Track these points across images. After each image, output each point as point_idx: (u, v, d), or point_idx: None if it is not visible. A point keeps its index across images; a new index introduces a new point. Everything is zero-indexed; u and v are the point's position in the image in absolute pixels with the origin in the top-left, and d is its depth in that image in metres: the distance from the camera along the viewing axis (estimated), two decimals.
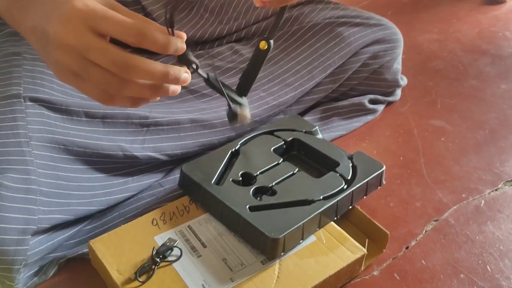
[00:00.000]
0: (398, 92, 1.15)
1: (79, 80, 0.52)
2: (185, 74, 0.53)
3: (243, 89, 0.69)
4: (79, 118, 0.75)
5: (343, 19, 1.01)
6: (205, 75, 0.64)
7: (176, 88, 0.55)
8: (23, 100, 0.71)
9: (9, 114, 0.69)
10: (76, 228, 0.74)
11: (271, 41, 0.61)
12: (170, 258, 0.67)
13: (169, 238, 0.70)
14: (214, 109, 0.89)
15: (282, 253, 0.69)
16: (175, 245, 0.69)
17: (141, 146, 0.80)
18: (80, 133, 0.74)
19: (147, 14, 0.94)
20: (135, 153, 0.79)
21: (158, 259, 0.66)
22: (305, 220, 0.70)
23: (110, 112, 0.78)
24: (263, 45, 0.63)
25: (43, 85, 0.74)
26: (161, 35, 0.50)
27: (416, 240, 0.81)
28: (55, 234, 0.70)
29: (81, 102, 0.77)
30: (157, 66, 0.51)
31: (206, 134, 0.87)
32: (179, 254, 0.68)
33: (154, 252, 0.67)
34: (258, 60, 0.66)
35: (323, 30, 0.99)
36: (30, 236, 0.65)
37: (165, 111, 0.84)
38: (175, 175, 0.85)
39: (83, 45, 0.48)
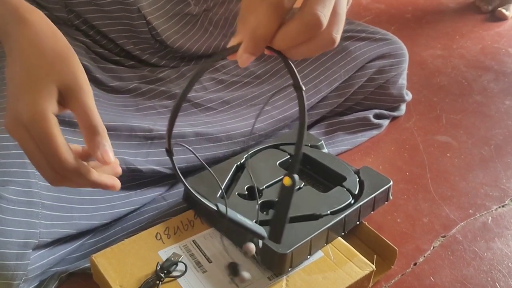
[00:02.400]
0: (403, 107, 1.15)
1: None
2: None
3: (276, 235, 0.58)
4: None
5: (348, 34, 1.01)
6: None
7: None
8: None
9: None
10: (78, 242, 0.72)
11: (296, 176, 0.54)
12: (174, 274, 0.66)
13: (173, 253, 0.68)
14: (219, 122, 0.88)
15: (289, 269, 0.68)
16: (180, 260, 0.67)
17: (144, 159, 0.79)
18: (82, 145, 0.73)
19: (152, 29, 0.93)
20: (139, 166, 0.77)
21: (162, 275, 0.65)
22: (312, 235, 0.69)
23: (113, 124, 0.77)
24: (287, 181, 0.54)
25: None
26: (90, 177, 0.51)
27: (424, 256, 0.80)
28: (57, 248, 0.69)
29: None
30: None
31: (211, 147, 0.86)
32: (184, 269, 0.66)
33: (158, 267, 0.65)
34: (285, 199, 0.56)
35: None
36: (31, 250, 0.63)
37: None
38: (179, 189, 0.84)
39: (23, 147, 0.49)
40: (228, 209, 0.57)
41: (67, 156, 0.48)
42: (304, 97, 0.44)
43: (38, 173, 0.63)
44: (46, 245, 0.67)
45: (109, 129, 0.75)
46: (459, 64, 1.40)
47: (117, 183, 0.54)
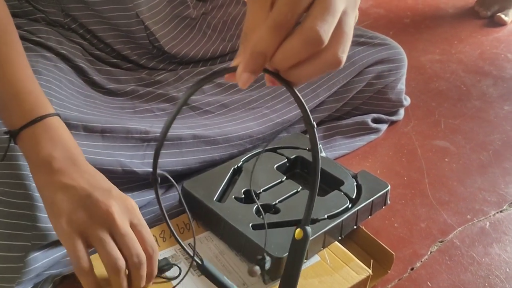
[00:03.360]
0: (402, 111, 1.15)
1: None
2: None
3: None
4: (77, 132, 0.74)
5: None
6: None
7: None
8: None
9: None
10: None
11: (308, 229, 0.50)
12: (168, 274, 0.65)
13: (173, 255, 0.68)
14: (217, 125, 0.88)
15: None
16: (176, 263, 0.67)
17: (141, 162, 0.78)
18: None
19: (150, 35, 0.93)
20: (135, 169, 0.77)
21: None
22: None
23: (109, 126, 0.77)
24: (299, 234, 0.51)
25: None
26: None
27: (421, 261, 0.80)
28: (51, 251, 0.68)
29: (79, 116, 0.76)
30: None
31: (208, 150, 0.85)
32: (178, 273, 0.66)
33: None
34: (297, 253, 0.52)
35: None
36: (25, 254, 0.63)
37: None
38: (175, 192, 0.83)
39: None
40: (208, 263, 0.61)
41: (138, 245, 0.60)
42: (316, 134, 0.42)
43: (30, 175, 0.64)
44: (40, 248, 0.66)
45: (105, 131, 0.75)
46: (458, 69, 1.41)
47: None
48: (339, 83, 1.00)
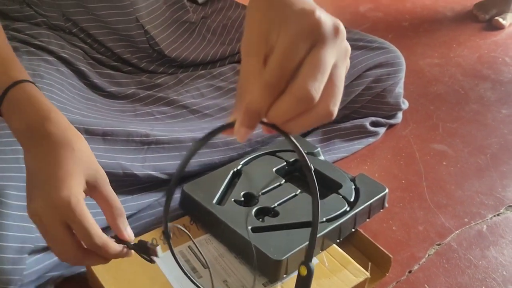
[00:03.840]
0: (400, 115, 1.16)
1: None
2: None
3: None
4: None
5: None
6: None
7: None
8: None
9: (7, 129, 0.68)
10: None
11: (312, 265, 0.50)
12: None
13: (153, 239, 0.69)
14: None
15: (284, 276, 0.68)
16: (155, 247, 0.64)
17: (141, 165, 0.79)
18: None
19: (150, 39, 0.94)
20: (135, 172, 0.78)
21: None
22: (307, 242, 0.69)
23: (110, 129, 0.78)
24: (303, 271, 0.52)
25: None
26: (112, 251, 0.56)
27: (419, 264, 0.80)
28: (53, 253, 0.69)
29: (81, 119, 0.77)
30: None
31: (207, 153, 0.86)
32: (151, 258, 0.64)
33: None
34: None
35: None
36: (27, 255, 0.64)
37: (167, 130, 0.84)
38: (175, 195, 0.83)
39: (50, 231, 0.54)
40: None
41: (99, 233, 0.54)
42: (314, 179, 0.43)
43: None
44: (42, 250, 0.67)
45: (106, 134, 0.76)
46: (456, 72, 1.41)
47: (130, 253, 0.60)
48: None
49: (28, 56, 0.79)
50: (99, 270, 0.67)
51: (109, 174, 0.74)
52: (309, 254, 0.50)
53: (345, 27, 1.08)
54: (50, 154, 0.55)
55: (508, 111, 1.24)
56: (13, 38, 0.82)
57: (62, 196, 0.52)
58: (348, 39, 1.05)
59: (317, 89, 0.39)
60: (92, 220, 0.54)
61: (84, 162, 0.56)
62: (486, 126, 1.18)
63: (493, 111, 1.24)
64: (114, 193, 0.58)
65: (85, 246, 0.55)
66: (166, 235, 0.52)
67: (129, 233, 0.58)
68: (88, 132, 0.75)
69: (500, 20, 1.68)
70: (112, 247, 0.56)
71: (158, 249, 0.58)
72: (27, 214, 0.63)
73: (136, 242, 0.59)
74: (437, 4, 1.89)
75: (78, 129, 0.73)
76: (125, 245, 0.58)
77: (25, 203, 0.63)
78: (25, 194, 0.63)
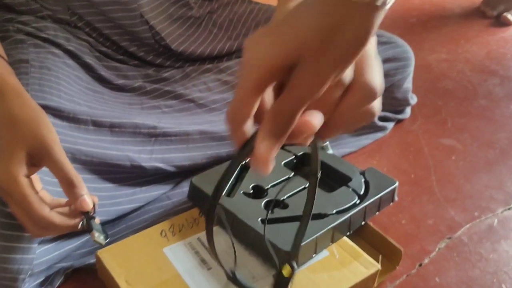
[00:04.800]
0: (408, 110, 1.15)
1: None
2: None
3: None
4: (86, 127, 0.75)
5: None
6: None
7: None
8: None
9: None
10: (84, 239, 0.73)
11: (295, 265, 0.51)
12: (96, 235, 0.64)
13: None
14: (223, 121, 0.88)
15: None
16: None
17: (149, 157, 0.79)
18: (87, 142, 0.74)
19: (156, 34, 0.94)
20: (143, 164, 0.78)
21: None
22: (318, 234, 0.69)
23: (117, 121, 0.78)
24: (287, 272, 0.52)
25: (51, 92, 0.74)
26: (58, 223, 0.60)
27: (429, 257, 0.80)
28: (62, 244, 0.69)
29: (88, 110, 0.77)
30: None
31: (214, 146, 0.86)
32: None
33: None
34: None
35: None
36: (36, 245, 0.64)
37: (174, 122, 0.84)
38: (183, 188, 0.84)
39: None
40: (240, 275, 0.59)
41: (41, 211, 0.57)
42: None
43: (43, 169, 0.64)
44: (51, 240, 0.68)
45: (113, 125, 0.76)
46: (464, 68, 1.42)
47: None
48: None
49: (35, 49, 0.80)
50: (108, 261, 0.67)
51: (116, 165, 0.75)
52: (294, 252, 0.49)
53: None
54: None
55: None
56: (19, 30, 0.83)
57: (1, 178, 0.56)
58: None
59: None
60: (34, 199, 0.56)
61: (25, 137, 0.57)
62: (495, 121, 1.18)
63: (502, 106, 1.24)
64: (66, 163, 0.59)
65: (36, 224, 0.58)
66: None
67: (81, 203, 0.60)
68: (96, 124, 0.76)
69: (508, 16, 1.69)
70: (57, 221, 0.59)
71: (96, 234, 0.62)
72: None
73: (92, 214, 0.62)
74: (444, 1, 1.90)
75: (86, 120, 0.74)
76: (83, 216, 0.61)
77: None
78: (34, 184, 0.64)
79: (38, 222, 0.57)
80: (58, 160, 0.58)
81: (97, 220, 0.63)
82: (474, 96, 1.28)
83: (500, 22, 1.70)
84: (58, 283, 0.70)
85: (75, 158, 0.72)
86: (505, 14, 1.70)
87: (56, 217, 0.58)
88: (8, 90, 0.60)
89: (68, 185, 0.59)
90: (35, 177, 0.61)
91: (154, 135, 0.80)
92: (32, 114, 0.59)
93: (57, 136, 0.59)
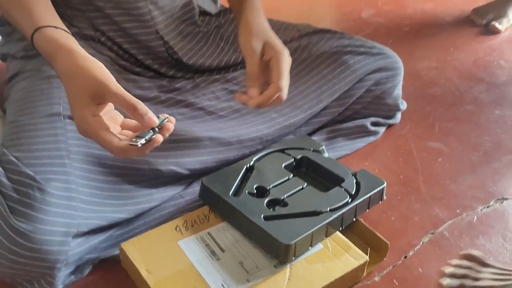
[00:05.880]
0: (398, 115, 1.22)
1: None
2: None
3: None
4: None
5: (348, 48, 1.09)
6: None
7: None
8: (63, 118, 0.79)
9: (51, 130, 0.77)
10: (108, 233, 0.81)
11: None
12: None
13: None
14: (231, 128, 0.96)
15: (293, 258, 0.76)
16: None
17: (164, 161, 0.87)
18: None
19: (169, 48, 1.04)
20: (159, 167, 0.86)
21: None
22: (313, 229, 0.77)
23: None
24: None
25: None
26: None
27: (414, 250, 0.87)
28: (91, 238, 0.78)
29: None
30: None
31: (223, 151, 0.94)
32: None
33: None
34: None
35: (330, 58, 1.08)
36: (71, 238, 0.72)
37: (187, 130, 0.91)
38: (194, 188, 0.92)
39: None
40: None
41: (111, 142, 0.66)
42: None
43: (75, 171, 0.73)
44: (82, 235, 0.76)
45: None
46: (453, 75, 1.45)
47: (160, 139, 0.69)
48: (341, 89, 1.07)
49: None
50: (131, 252, 0.76)
51: (137, 169, 0.83)
52: None
53: (348, 34, 1.17)
54: (59, 76, 0.70)
55: (501, 112, 1.28)
56: None
57: (76, 123, 0.67)
58: (350, 45, 1.17)
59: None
60: (104, 134, 0.65)
61: (84, 85, 0.66)
62: (480, 125, 1.22)
63: (487, 111, 1.28)
64: (124, 93, 0.67)
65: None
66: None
67: (147, 121, 0.66)
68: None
69: (496, 25, 1.70)
70: (123, 146, 0.66)
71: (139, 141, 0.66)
72: (69, 203, 0.72)
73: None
74: (436, 10, 1.92)
75: None
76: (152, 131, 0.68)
77: (68, 194, 0.73)
78: (67, 185, 0.73)
79: (112, 150, 0.66)
80: (116, 93, 0.66)
81: (159, 138, 0.69)
82: (461, 102, 1.32)
83: (489, 31, 1.72)
84: (87, 271, 0.79)
85: (101, 163, 0.80)
86: (493, 22, 1.71)
87: (122, 144, 0.66)
88: (61, 52, 0.70)
89: (132, 110, 0.66)
90: (115, 112, 0.72)
91: (169, 142, 0.87)
92: (84, 64, 0.68)
93: (110, 75, 0.68)
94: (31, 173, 0.71)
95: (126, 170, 0.83)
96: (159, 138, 0.68)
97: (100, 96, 0.66)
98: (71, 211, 0.72)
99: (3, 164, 0.72)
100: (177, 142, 0.89)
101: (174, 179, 0.90)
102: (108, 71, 0.69)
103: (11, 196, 0.70)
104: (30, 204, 0.69)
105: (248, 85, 0.87)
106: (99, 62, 0.70)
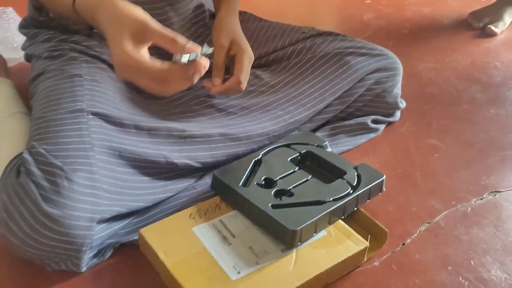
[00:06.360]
0: (398, 113, 1.26)
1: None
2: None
3: None
4: (129, 130, 0.88)
5: (350, 50, 1.14)
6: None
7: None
8: (86, 114, 0.85)
9: (76, 125, 0.83)
10: (127, 220, 0.87)
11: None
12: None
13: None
14: (240, 125, 1.01)
15: (298, 243, 0.81)
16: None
17: (179, 155, 0.92)
18: (131, 142, 0.87)
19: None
20: (174, 160, 0.91)
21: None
22: (317, 217, 0.82)
23: (154, 125, 0.91)
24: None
25: (101, 101, 0.88)
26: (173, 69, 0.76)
27: (411, 238, 0.91)
28: (112, 224, 0.83)
29: (130, 116, 0.90)
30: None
31: (232, 146, 0.99)
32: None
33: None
34: None
35: (333, 59, 1.13)
36: (95, 224, 0.78)
37: (199, 126, 0.97)
38: (206, 180, 0.97)
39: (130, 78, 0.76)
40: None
41: (154, 65, 0.73)
42: None
43: (98, 163, 0.79)
44: (105, 221, 0.81)
45: (151, 129, 0.90)
46: (450, 76, 1.48)
47: (204, 63, 0.76)
48: (343, 88, 1.11)
49: (87, 64, 0.93)
50: (149, 237, 0.81)
51: (154, 162, 0.89)
52: None
53: (350, 36, 1.23)
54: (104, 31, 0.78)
55: (496, 111, 1.31)
56: (73, 49, 0.96)
57: (116, 61, 0.73)
58: (352, 47, 1.23)
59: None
60: (146, 61, 0.72)
61: (125, 24, 0.73)
62: (476, 124, 1.26)
63: (483, 110, 1.31)
64: (163, 29, 0.73)
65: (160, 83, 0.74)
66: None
67: (189, 48, 0.73)
68: (137, 128, 0.89)
69: (493, 28, 1.73)
70: (167, 68, 0.73)
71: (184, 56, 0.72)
72: (93, 192, 0.78)
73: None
74: (434, 13, 1.94)
75: (129, 125, 0.88)
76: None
77: (92, 183, 0.79)
78: (91, 175, 0.79)
79: (156, 77, 0.72)
80: (156, 29, 0.73)
81: (203, 60, 0.75)
82: (458, 101, 1.35)
83: (485, 34, 1.75)
84: (108, 255, 0.84)
85: (122, 156, 0.85)
86: (489, 25, 1.74)
87: (166, 66, 0.72)
88: (103, 3, 0.78)
89: (173, 43, 0.72)
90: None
91: (183, 137, 0.93)
92: (125, 7, 0.75)
93: (149, 16, 0.75)
94: (59, 163, 0.77)
95: (144, 163, 0.88)
96: (203, 60, 0.74)
97: (142, 33, 0.73)
98: (95, 199, 0.78)
99: (33, 156, 0.78)
100: (190, 138, 0.94)
101: (187, 171, 0.95)
102: (146, 14, 0.76)
103: (42, 185, 0.75)
104: (59, 192, 0.75)
105: (213, 74, 1.00)
106: (138, 6, 0.77)
